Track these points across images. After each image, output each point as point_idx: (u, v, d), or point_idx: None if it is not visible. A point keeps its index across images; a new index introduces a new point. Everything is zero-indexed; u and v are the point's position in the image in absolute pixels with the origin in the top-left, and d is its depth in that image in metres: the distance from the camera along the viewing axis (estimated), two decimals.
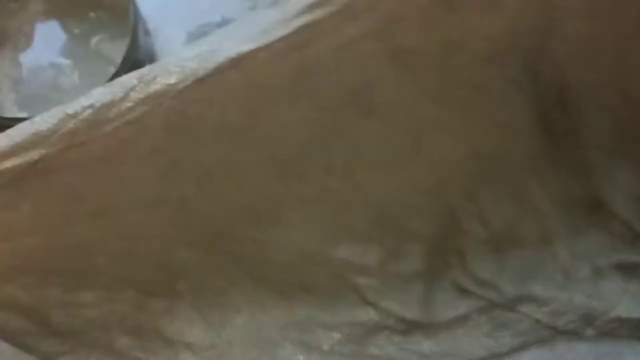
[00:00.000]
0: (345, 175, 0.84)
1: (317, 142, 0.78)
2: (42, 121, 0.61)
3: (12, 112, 0.89)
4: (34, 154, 0.61)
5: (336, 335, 0.86)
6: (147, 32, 0.94)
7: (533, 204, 0.89)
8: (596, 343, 0.87)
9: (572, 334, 0.87)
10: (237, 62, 0.62)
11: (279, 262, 0.87)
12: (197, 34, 0.97)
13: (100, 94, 0.61)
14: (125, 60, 0.84)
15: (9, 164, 0.60)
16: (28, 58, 0.92)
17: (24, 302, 0.74)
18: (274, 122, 0.73)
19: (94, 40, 0.93)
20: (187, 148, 0.69)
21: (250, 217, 0.83)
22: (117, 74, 0.82)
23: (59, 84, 0.91)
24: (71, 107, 0.61)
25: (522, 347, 0.87)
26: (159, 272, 0.84)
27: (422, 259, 0.89)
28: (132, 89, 0.62)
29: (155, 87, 0.62)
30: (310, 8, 0.62)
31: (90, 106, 0.61)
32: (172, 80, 0.62)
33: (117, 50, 0.89)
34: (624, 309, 0.87)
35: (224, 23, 0.97)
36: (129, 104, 0.61)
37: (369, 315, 0.87)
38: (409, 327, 0.86)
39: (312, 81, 0.70)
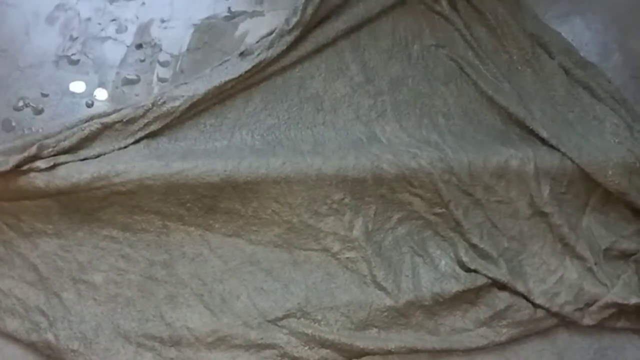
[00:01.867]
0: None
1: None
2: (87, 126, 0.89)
3: None
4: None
5: (334, 317, 0.87)
6: None
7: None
8: (597, 337, 0.88)
9: (572, 326, 0.88)
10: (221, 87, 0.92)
11: (268, 238, 0.90)
12: (203, 27, 0.98)
13: (126, 113, 0.89)
14: None
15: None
16: None
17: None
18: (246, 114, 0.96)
19: None
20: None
21: (232, 191, 0.88)
22: None
23: None
24: (106, 119, 0.88)
25: (522, 338, 0.87)
26: (159, 250, 0.89)
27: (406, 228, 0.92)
28: (149, 109, 0.89)
29: (165, 108, 0.90)
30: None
31: (120, 120, 0.89)
32: (176, 104, 0.89)
33: None
34: (618, 294, 0.88)
35: (231, 16, 0.98)
36: (146, 120, 0.90)
37: (365, 294, 0.88)
38: (408, 307, 0.87)
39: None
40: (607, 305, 0.87)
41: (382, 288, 0.88)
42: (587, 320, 0.87)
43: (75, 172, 0.86)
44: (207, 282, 0.89)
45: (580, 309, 0.87)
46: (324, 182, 0.89)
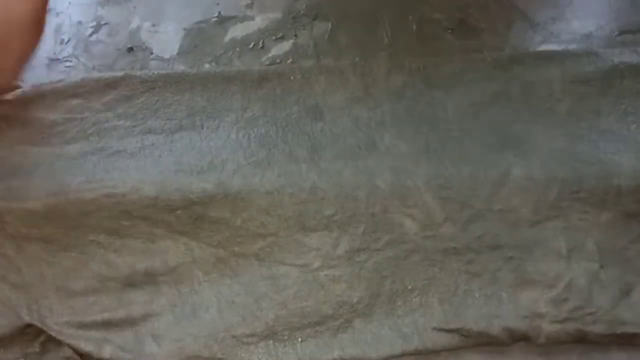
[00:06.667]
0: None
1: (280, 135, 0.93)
2: None
3: None
4: None
5: (300, 337, 0.85)
6: None
7: None
8: (586, 355, 0.83)
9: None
10: None
11: (251, 251, 0.88)
12: (194, 31, 0.98)
13: None
14: None
15: None
16: None
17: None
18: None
19: None
20: None
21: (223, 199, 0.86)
22: None
23: None
24: None
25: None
26: (143, 257, 0.88)
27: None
28: None
29: None
30: None
31: None
32: None
33: None
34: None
35: (221, 21, 0.98)
36: None
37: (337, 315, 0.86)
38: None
39: None
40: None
41: (354, 310, 0.85)
42: (597, 328, 0.82)
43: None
44: (183, 292, 0.87)
45: (591, 314, 0.82)
46: (317, 196, 0.86)
